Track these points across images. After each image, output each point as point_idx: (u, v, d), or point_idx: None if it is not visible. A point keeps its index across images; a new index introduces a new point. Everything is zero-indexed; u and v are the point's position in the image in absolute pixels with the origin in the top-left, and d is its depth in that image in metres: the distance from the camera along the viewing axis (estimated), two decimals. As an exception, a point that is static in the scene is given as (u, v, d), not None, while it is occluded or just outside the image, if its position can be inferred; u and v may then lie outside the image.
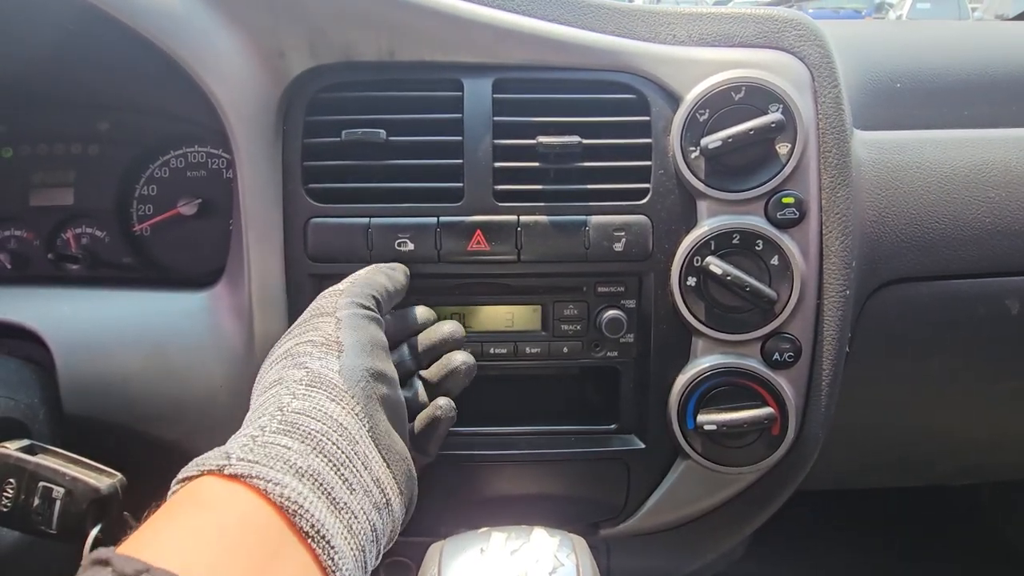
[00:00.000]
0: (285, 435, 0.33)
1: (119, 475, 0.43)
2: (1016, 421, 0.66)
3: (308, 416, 0.34)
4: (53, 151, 0.67)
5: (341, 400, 0.35)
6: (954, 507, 1.07)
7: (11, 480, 0.41)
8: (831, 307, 0.52)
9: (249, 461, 0.31)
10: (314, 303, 0.44)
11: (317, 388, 0.36)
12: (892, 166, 0.56)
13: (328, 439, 0.33)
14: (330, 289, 0.45)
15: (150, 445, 0.54)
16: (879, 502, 1.07)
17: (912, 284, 0.57)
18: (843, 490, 0.97)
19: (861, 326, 0.56)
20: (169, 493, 0.31)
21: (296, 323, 0.44)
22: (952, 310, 0.58)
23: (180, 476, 0.32)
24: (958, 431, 0.67)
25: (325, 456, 0.33)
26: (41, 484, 0.41)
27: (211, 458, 0.31)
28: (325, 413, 0.34)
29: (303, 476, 0.31)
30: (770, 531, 0.64)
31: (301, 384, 0.36)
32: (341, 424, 0.34)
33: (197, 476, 0.31)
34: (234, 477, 0.30)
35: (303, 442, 0.33)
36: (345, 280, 0.46)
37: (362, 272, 0.46)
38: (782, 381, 0.52)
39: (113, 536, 0.42)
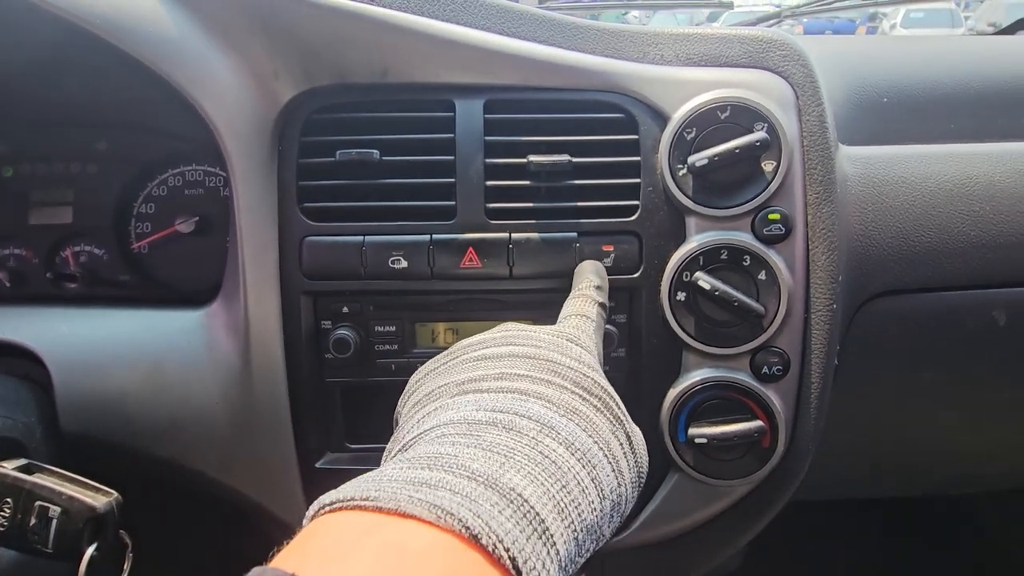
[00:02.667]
0: None
1: (115, 494, 0.43)
2: (1008, 430, 0.66)
3: None
4: (52, 170, 0.68)
5: None
6: (951, 515, 1.07)
7: (8, 499, 0.42)
8: (818, 320, 0.53)
9: None
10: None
11: None
12: (878, 181, 0.57)
13: None
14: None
15: (146, 462, 0.54)
16: (876, 512, 1.07)
17: (900, 296, 0.58)
18: (839, 500, 0.97)
19: (850, 338, 0.57)
20: None
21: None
22: (940, 321, 0.59)
23: None
24: (950, 441, 0.67)
25: None
26: (38, 503, 0.41)
27: None
28: None
29: None
30: (766, 542, 0.64)
31: None
32: None
33: None
34: None
35: None
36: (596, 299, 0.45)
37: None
38: (771, 394, 0.53)
39: (109, 554, 0.43)
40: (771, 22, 1.13)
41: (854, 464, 0.68)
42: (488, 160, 0.52)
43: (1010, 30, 0.96)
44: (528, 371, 0.34)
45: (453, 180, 0.52)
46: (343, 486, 0.27)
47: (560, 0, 0.94)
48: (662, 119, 0.52)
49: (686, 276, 0.51)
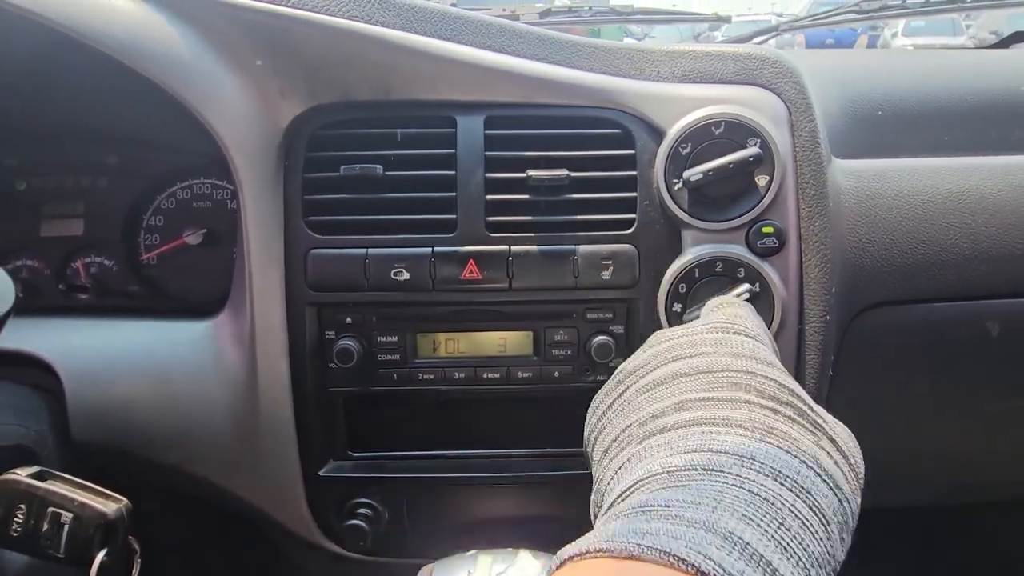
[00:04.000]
0: None
1: (125, 500, 0.45)
2: (1003, 441, 0.67)
3: None
4: (63, 183, 0.69)
5: None
6: (953, 525, 1.07)
7: (21, 506, 0.43)
8: (812, 332, 0.53)
9: None
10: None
11: None
12: (871, 194, 0.58)
13: None
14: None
15: (154, 470, 0.55)
16: (878, 521, 1.07)
17: (894, 308, 0.58)
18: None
19: (845, 349, 0.58)
20: None
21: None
22: (934, 333, 0.59)
23: None
24: (946, 451, 0.68)
25: None
26: (50, 510, 0.43)
27: None
28: None
29: None
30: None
31: None
32: None
33: None
34: None
35: None
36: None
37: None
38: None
39: (118, 560, 0.44)
40: (770, 35, 1.15)
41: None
42: (488, 175, 0.53)
43: (1005, 43, 0.97)
44: (707, 391, 0.32)
45: (454, 194, 0.53)
46: (578, 540, 0.27)
47: (560, 15, 0.95)
48: (658, 135, 0.54)
49: (682, 288, 0.53)
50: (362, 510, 0.56)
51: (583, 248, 0.53)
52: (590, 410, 0.40)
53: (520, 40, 0.54)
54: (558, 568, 0.26)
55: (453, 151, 0.54)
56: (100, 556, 0.43)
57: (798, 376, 0.54)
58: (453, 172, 0.53)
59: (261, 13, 0.51)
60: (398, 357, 0.56)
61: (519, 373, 0.56)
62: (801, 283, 0.53)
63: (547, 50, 0.55)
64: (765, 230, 0.52)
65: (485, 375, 0.56)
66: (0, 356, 0.53)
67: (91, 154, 0.68)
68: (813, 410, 0.32)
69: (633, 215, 0.54)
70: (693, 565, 0.23)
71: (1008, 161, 0.61)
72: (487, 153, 0.53)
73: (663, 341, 0.39)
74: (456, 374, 0.56)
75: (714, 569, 0.23)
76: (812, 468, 0.29)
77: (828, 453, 0.30)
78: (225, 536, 0.76)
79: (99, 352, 0.55)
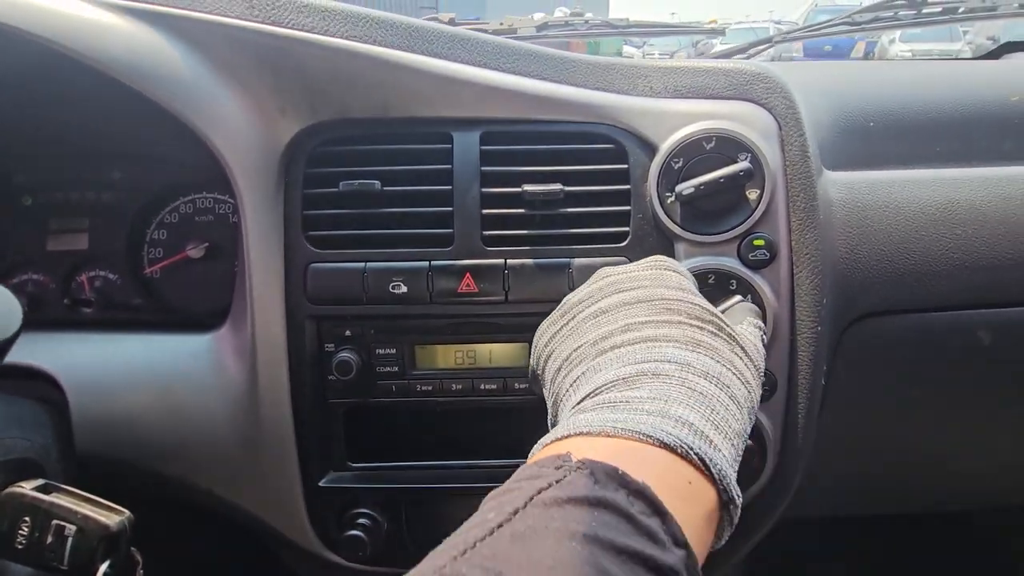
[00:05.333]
0: None
1: (127, 512, 0.45)
2: (996, 448, 0.67)
3: None
4: (69, 198, 0.70)
5: None
6: (950, 533, 1.07)
7: (26, 518, 0.44)
8: (804, 342, 0.54)
9: None
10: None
11: None
12: (862, 205, 0.59)
13: None
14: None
15: (156, 481, 0.56)
16: (878, 529, 1.07)
17: (886, 318, 0.59)
18: (839, 518, 0.97)
19: (839, 359, 0.59)
20: None
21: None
22: (926, 342, 0.60)
23: None
24: (941, 459, 0.68)
25: None
26: (54, 522, 0.43)
27: None
28: None
29: None
30: (766, 560, 0.65)
31: None
32: None
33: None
34: None
35: None
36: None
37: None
38: (759, 415, 0.54)
39: (120, 571, 0.45)
40: (765, 46, 1.16)
41: (847, 481, 0.69)
42: (484, 189, 0.54)
43: (995, 54, 0.98)
44: (647, 315, 0.40)
45: (451, 209, 0.54)
46: (550, 432, 0.34)
47: (557, 28, 0.97)
48: (651, 149, 0.55)
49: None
50: (361, 520, 0.57)
51: (578, 261, 0.54)
52: (536, 336, 0.46)
53: (515, 58, 0.55)
54: (542, 448, 0.32)
55: (450, 166, 0.55)
56: (103, 568, 0.43)
57: (790, 385, 0.55)
58: (450, 187, 0.54)
59: (262, 34, 0.52)
60: (396, 369, 0.56)
61: (515, 384, 0.56)
62: (793, 294, 0.54)
63: (542, 67, 0.56)
64: (756, 242, 0.53)
65: (482, 386, 0.56)
66: (6, 370, 0.54)
67: (96, 170, 0.70)
68: (728, 326, 0.40)
69: (627, 228, 0.54)
70: (657, 439, 0.31)
71: (998, 172, 0.61)
72: (483, 168, 0.54)
73: (606, 276, 0.45)
74: (454, 385, 0.56)
75: (673, 440, 0.31)
76: (729, 370, 0.37)
77: (739, 357, 0.39)
78: (226, 547, 0.76)
79: (103, 365, 0.56)
